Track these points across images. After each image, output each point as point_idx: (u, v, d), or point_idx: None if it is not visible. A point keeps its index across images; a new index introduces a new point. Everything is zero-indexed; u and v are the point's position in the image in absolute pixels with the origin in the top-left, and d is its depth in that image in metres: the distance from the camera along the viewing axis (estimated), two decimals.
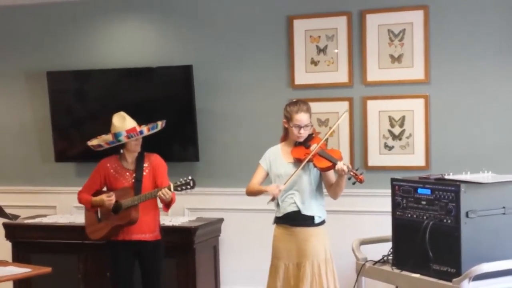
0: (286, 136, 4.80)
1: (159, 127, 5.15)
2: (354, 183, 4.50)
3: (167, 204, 4.99)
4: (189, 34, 6.26)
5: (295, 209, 4.64)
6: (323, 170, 4.62)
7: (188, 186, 4.81)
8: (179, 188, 4.82)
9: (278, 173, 4.69)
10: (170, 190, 4.82)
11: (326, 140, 4.77)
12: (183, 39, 6.29)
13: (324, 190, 4.77)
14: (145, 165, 5.10)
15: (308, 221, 4.64)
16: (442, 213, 3.96)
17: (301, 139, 4.67)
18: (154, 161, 5.13)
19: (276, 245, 4.73)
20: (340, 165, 4.46)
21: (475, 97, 5.56)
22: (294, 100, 4.80)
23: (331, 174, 4.69)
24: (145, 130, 5.06)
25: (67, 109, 6.52)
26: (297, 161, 4.64)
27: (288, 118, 4.67)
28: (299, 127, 4.62)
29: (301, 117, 4.61)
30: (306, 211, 4.63)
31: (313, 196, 4.66)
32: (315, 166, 4.61)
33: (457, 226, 3.87)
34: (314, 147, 4.61)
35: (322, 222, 4.72)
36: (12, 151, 6.80)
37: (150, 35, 6.39)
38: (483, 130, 5.54)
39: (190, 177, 4.84)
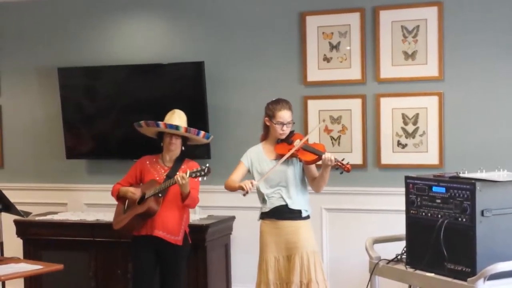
0: (266, 135, 4.91)
1: (201, 136, 5.11)
2: (341, 173, 4.62)
3: (184, 197, 4.97)
4: (201, 30, 6.23)
5: (283, 203, 4.75)
6: (308, 163, 4.73)
7: (202, 173, 4.83)
8: (193, 174, 4.84)
9: (263, 170, 4.79)
10: (186, 174, 4.83)
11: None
12: (194, 36, 6.26)
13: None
14: (182, 167, 5.13)
15: (295, 214, 4.76)
16: (457, 211, 3.92)
17: (284, 136, 4.80)
18: (191, 166, 5.13)
19: (264, 239, 4.82)
20: (327, 155, 4.59)
21: (490, 94, 5.51)
22: (274, 99, 4.87)
23: (314, 168, 4.81)
24: (183, 129, 5.04)
25: (78, 105, 6.51)
26: (281, 157, 4.73)
27: (271, 116, 4.79)
28: (282, 124, 4.75)
29: (284, 114, 4.76)
30: (293, 206, 4.75)
31: (299, 190, 4.78)
32: (300, 160, 4.73)
33: (472, 225, 3.84)
34: (297, 142, 4.73)
35: (308, 216, 4.82)
36: (23, 148, 6.81)
37: (161, 31, 6.38)
38: (498, 127, 5.49)
39: (207, 165, 4.87)
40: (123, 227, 5.14)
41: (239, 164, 4.90)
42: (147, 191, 5.04)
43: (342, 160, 4.62)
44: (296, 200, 4.75)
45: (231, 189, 4.87)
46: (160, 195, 4.98)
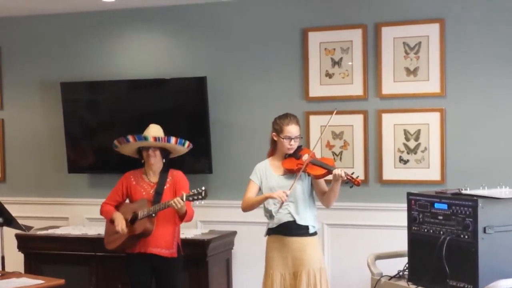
0: (273, 150, 4.87)
1: (172, 142, 5.10)
2: (351, 187, 4.56)
3: (181, 216, 4.99)
4: (203, 45, 6.25)
5: (290, 219, 4.68)
6: (318, 178, 4.68)
7: (200, 196, 4.83)
8: (190, 198, 4.85)
9: (271, 186, 4.74)
10: (182, 199, 4.83)
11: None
12: (197, 51, 6.28)
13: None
14: (168, 179, 5.13)
15: (302, 230, 4.69)
16: (459, 228, 3.92)
17: (291, 151, 4.76)
18: (176, 176, 5.17)
19: (271, 255, 4.76)
20: (337, 171, 4.54)
21: (492, 110, 5.52)
22: (282, 114, 4.84)
23: (323, 183, 4.77)
24: (151, 138, 5.06)
25: (80, 120, 6.52)
26: (289, 172, 4.72)
27: (278, 131, 4.75)
28: (290, 138, 4.71)
29: (292, 129, 4.72)
30: (301, 221, 4.68)
31: (307, 206, 4.72)
32: (309, 175, 4.69)
33: (474, 242, 3.84)
34: (305, 157, 4.68)
35: (315, 233, 4.76)
36: (25, 162, 6.81)
37: (164, 46, 6.40)
38: (500, 144, 5.49)
39: (203, 188, 4.87)
40: (118, 247, 5.17)
41: (250, 182, 4.82)
42: (139, 211, 5.04)
43: (352, 174, 4.57)
44: (304, 215, 4.68)
45: (251, 206, 4.76)
46: (153, 215, 4.99)
